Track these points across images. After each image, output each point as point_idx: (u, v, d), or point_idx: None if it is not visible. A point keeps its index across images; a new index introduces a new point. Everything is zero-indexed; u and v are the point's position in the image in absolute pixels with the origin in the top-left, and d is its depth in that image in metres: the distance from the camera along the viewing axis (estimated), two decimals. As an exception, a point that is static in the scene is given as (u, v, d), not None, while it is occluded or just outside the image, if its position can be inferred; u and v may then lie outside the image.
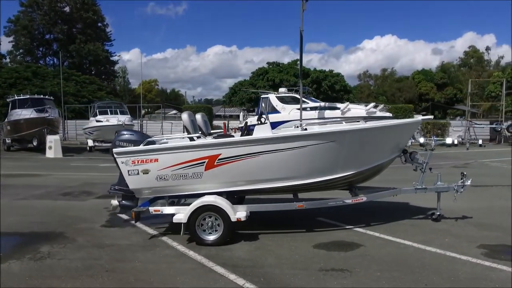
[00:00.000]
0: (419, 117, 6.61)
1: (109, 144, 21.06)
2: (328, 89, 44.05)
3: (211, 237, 5.54)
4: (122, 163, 5.64)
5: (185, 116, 6.67)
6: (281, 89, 23.74)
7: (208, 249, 5.40)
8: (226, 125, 27.79)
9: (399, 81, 51.65)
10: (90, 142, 21.96)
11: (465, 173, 6.48)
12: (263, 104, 22.65)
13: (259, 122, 5.83)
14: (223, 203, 5.52)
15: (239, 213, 5.57)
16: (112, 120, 20.49)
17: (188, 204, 5.73)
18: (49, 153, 18.92)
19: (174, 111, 53.38)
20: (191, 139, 5.94)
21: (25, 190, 9.89)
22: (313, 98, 23.47)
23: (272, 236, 5.95)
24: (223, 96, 65.19)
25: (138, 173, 5.64)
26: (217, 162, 5.57)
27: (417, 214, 7.08)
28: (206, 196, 5.63)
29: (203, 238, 5.55)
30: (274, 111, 22.33)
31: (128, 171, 5.65)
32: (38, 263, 4.96)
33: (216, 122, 29.66)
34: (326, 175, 5.82)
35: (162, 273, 4.61)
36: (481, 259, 4.92)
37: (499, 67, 65.96)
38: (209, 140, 5.64)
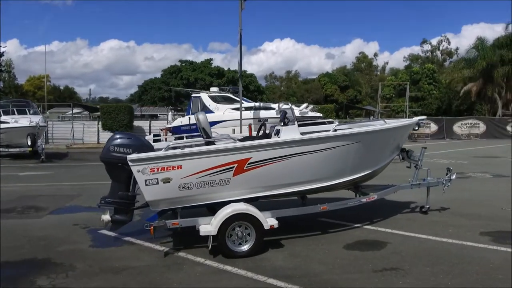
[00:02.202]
0: (416, 118, 7.03)
1: (16, 149, 18.18)
2: (243, 89, 44.66)
3: (243, 248, 5.12)
4: (138, 171, 4.87)
5: (202, 117, 6.09)
6: (213, 89, 23.33)
7: (242, 261, 4.98)
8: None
9: (306, 83, 54.90)
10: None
11: (451, 168, 7.13)
12: (199, 104, 21.99)
13: (283, 124, 5.58)
14: (255, 210, 5.16)
15: (270, 220, 5.26)
16: (22, 121, 17.70)
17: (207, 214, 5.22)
18: None
19: (73, 111, 48.34)
20: (208, 143, 5.42)
21: None
22: (246, 98, 23.50)
23: (293, 241, 5.75)
24: (131, 95, 61.65)
25: (157, 183, 4.93)
26: (246, 167, 5.17)
27: (403, 208, 7.57)
28: (235, 204, 5.19)
29: (234, 250, 5.10)
30: (207, 110, 21.84)
31: (146, 180, 4.91)
32: (53, 300, 4.01)
33: (136, 123, 27.72)
34: (349, 175, 5.85)
35: (218, 294, 4.10)
36: (493, 245, 5.45)
37: (385, 71, 74.62)
38: (240, 143, 5.20)
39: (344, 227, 6.44)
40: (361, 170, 5.95)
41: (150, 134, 22.42)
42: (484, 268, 4.67)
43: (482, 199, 8.43)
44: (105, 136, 26.81)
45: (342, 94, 46.79)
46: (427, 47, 64.13)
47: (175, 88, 37.25)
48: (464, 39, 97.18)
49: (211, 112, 21.85)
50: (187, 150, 5.04)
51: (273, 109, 21.11)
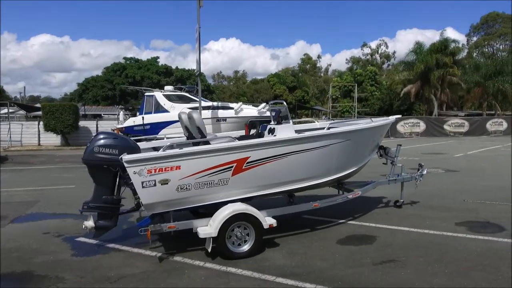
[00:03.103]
0: (393, 117, 7.37)
1: None
2: (193, 88, 43.97)
3: (243, 249, 5.04)
4: (135, 173, 4.59)
5: (197, 116, 5.88)
6: (168, 87, 22.66)
7: (243, 262, 4.91)
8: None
9: (256, 83, 55.30)
10: None
11: (422, 164, 7.58)
12: (152, 103, 21.23)
13: (277, 122, 5.58)
14: (255, 210, 5.11)
15: (269, 219, 5.23)
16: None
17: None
18: None
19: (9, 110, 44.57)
20: (203, 142, 5.26)
21: None
22: (204, 98, 23.10)
23: (285, 239, 5.77)
24: (70, 94, 57.87)
25: (155, 184, 4.69)
26: (245, 166, 5.10)
27: (378, 203, 7.92)
28: (234, 204, 5.09)
29: (233, 251, 5.00)
30: (162, 110, 21.21)
31: (143, 182, 4.64)
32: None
33: (82, 123, 26.10)
34: (338, 172, 5.99)
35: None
36: (470, 234, 5.89)
37: (328, 73, 77.48)
38: (239, 141, 5.09)
39: (329, 223, 6.59)
40: (349, 167, 6.13)
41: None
42: (471, 255, 5.03)
43: (443, 193, 9.05)
44: (47, 137, 25.00)
45: (290, 94, 47.79)
46: (367, 50, 67.68)
47: (126, 87, 35.68)
48: (399, 43, 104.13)
49: (166, 111, 21.27)
50: (186, 149, 4.84)
51: (232, 108, 21.04)
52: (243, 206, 5.07)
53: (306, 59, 76.92)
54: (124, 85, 45.56)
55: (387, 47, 67.71)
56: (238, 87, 54.52)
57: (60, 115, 23.65)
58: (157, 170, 4.67)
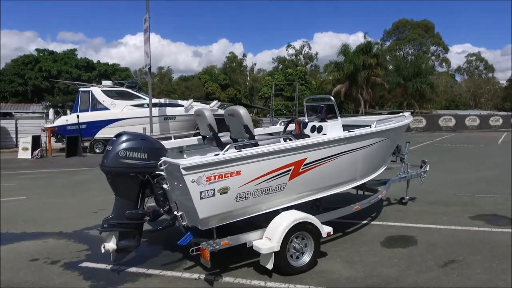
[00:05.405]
0: (407, 113, 7.30)
1: None
2: (120, 84, 41.00)
3: (304, 261, 4.50)
4: (193, 181, 3.77)
5: (209, 113, 5.14)
6: (106, 82, 20.66)
7: (308, 277, 4.38)
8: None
9: (186, 80, 53.54)
10: None
11: (426, 160, 7.70)
12: (89, 99, 19.20)
13: (321, 120, 5.10)
14: (313, 217, 4.59)
15: (325, 227, 4.75)
16: None
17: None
18: None
19: None
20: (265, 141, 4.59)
21: None
22: (146, 94, 21.42)
23: (326, 246, 5.31)
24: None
25: (213, 194, 3.91)
26: (301, 169, 4.55)
27: (380, 201, 7.84)
28: (289, 212, 4.52)
29: (294, 266, 4.43)
30: (100, 107, 19.32)
31: (201, 192, 3.84)
32: None
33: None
34: (374, 172, 5.73)
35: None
36: (492, 227, 6.06)
37: (254, 71, 78.40)
38: (298, 141, 4.48)
39: (354, 225, 6.31)
40: (381, 167, 5.92)
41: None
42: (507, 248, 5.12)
43: (428, 187, 9.36)
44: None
45: (223, 92, 47.18)
46: (291, 50, 69.80)
47: (58, 81, 31.79)
48: (316, 45, 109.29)
49: (105, 109, 19.44)
50: (246, 151, 4.11)
51: (181, 106, 19.88)
52: (302, 214, 4.52)
53: (232, 57, 76.80)
54: (38, 80, 40.88)
55: (310, 48, 70.55)
56: (165, 84, 52.16)
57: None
58: (217, 177, 3.90)
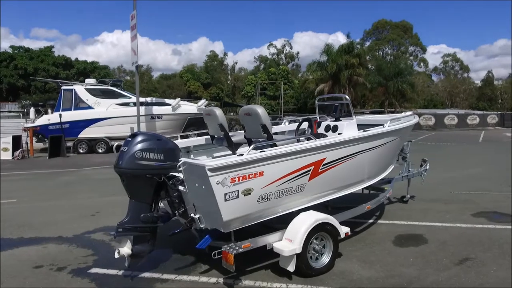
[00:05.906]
0: (409, 113, 7.35)
1: None
2: (102, 82, 40.06)
3: (323, 262, 4.45)
4: (218, 183, 3.65)
5: (219, 112, 5.02)
6: (89, 80, 20.12)
7: (329, 278, 4.34)
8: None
9: (167, 79, 52.86)
10: None
11: (426, 159, 7.79)
12: (72, 98, 18.64)
13: (335, 119, 5.05)
14: (332, 218, 4.53)
15: (343, 227, 4.70)
16: None
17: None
18: None
19: None
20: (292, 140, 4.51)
21: None
22: (129, 93, 20.91)
23: (340, 247, 5.29)
24: None
25: (237, 196, 3.80)
26: (321, 169, 4.49)
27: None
28: (309, 213, 4.46)
29: (314, 267, 4.37)
30: (84, 106, 18.80)
31: (225, 194, 3.72)
32: None
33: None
34: (383, 172, 5.73)
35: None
36: (497, 224, 6.17)
37: (235, 70, 78.19)
38: (318, 141, 4.40)
39: (361, 224, 6.30)
40: (390, 166, 5.93)
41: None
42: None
43: (424, 185, 9.44)
44: None
45: (205, 91, 46.83)
46: (273, 50, 69.87)
47: (38, 79, 30.71)
48: (296, 45, 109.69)
49: (89, 108, 18.93)
50: (269, 152, 4.01)
51: (168, 105, 19.54)
52: (323, 214, 4.46)
53: (213, 56, 76.29)
54: (13, 77, 39.48)
55: (291, 47, 70.81)
56: (146, 83, 51.29)
57: None
58: (241, 178, 3.80)
